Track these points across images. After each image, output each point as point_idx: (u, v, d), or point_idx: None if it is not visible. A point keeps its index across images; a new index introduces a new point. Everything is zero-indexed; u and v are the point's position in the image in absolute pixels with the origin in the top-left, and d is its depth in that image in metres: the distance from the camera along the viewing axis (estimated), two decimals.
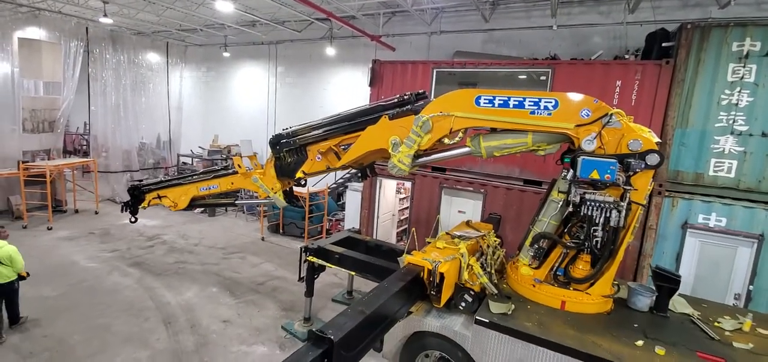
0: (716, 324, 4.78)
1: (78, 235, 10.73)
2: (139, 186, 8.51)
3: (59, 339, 5.96)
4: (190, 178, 8.02)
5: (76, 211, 12.89)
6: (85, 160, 14.73)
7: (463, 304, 4.75)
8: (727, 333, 4.59)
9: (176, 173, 16.68)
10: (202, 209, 13.51)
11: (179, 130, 18.38)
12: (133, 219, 8.71)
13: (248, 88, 16.91)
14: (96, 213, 12.97)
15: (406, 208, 11.21)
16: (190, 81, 18.74)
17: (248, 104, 16.98)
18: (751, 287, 6.73)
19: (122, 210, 8.71)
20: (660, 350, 4.00)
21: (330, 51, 14.03)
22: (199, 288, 7.97)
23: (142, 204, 8.45)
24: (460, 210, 9.05)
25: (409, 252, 5.17)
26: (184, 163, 17.30)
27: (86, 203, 13.64)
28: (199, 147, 17.45)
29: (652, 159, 4.38)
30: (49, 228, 10.95)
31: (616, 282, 5.15)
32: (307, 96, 15.38)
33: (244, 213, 14.26)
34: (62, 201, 12.95)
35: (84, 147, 20.25)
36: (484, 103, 5.01)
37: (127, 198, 8.93)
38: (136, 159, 16.21)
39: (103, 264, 8.92)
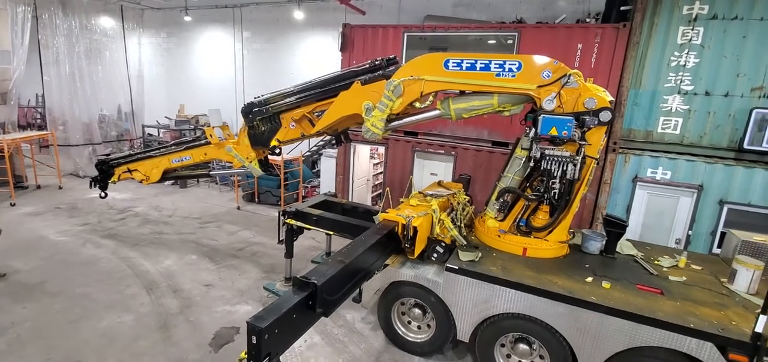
0: (656, 262, 5.42)
1: (44, 210, 10.40)
2: (108, 160, 8.26)
3: (39, 310, 5.97)
4: (161, 150, 7.88)
5: (38, 187, 12.39)
6: (43, 133, 13.99)
7: (435, 255, 5.14)
8: (664, 269, 5.22)
9: (142, 145, 16.16)
10: (174, 181, 13.29)
11: (142, 100, 17.55)
12: (102, 195, 8.53)
13: (213, 54, 16.32)
14: (60, 188, 12.51)
15: (380, 173, 11.48)
16: (149, 48, 17.80)
17: (214, 71, 16.44)
18: (690, 232, 7.50)
19: (91, 186, 8.49)
20: (606, 284, 4.55)
21: (298, 15, 13.70)
22: (177, 257, 8.04)
23: (112, 179, 8.27)
24: (432, 172, 9.41)
25: (384, 211, 5.48)
26: (150, 135, 16.72)
27: (48, 178, 13.10)
28: (166, 117, 16.87)
29: (605, 115, 4.79)
30: (12, 204, 10.53)
31: (572, 230, 5.68)
32: (276, 62, 15.07)
33: (217, 183, 14.13)
34: (22, 177, 12.38)
35: (39, 120, 19.11)
36: (453, 66, 5.25)
37: (92, 172, 8.68)
38: (98, 131, 15.50)
39: (74, 237, 8.76)
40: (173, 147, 7.80)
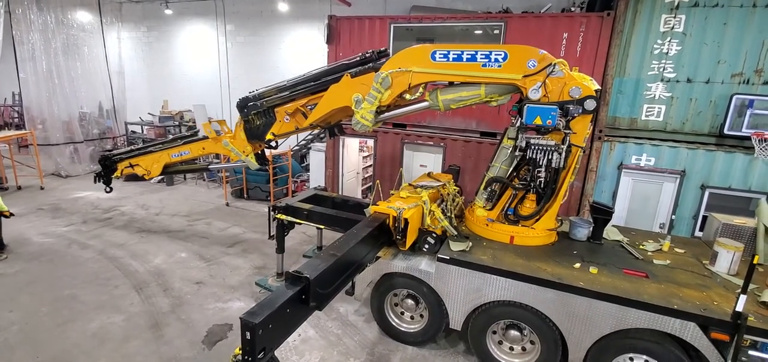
0: (641, 247, 5.56)
1: (26, 212, 10.13)
2: (110, 156, 8.47)
3: (26, 313, 5.85)
4: (161, 145, 8.08)
5: (19, 188, 12.06)
6: (22, 132, 13.59)
7: (427, 246, 5.18)
8: (649, 253, 5.36)
9: (126, 142, 15.83)
10: (161, 178, 13.10)
11: (123, 97, 17.12)
12: (108, 190, 8.72)
13: (196, 48, 16.01)
14: (41, 188, 12.20)
15: (370, 166, 11.47)
16: (129, 42, 17.36)
17: (198, 66, 16.14)
18: (673, 216, 7.71)
19: (95, 181, 8.64)
20: (593, 269, 4.66)
21: (282, 6, 13.51)
22: (166, 255, 7.95)
23: (115, 174, 8.45)
24: (421, 164, 9.44)
25: (375, 204, 5.49)
26: (133, 132, 16.39)
27: (28, 179, 12.76)
28: (149, 113, 16.55)
29: (589, 104, 4.85)
30: None
31: (559, 218, 5.79)
32: (261, 56, 14.86)
33: (205, 180, 13.95)
34: (2, 178, 12.03)
35: (16, 119, 18.55)
36: (440, 57, 5.26)
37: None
38: (79, 129, 15.11)
39: (58, 238, 8.58)
40: (173, 142, 8.02)
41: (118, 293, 6.49)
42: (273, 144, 7.06)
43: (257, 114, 6.65)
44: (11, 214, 7.73)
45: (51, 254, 7.81)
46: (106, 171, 8.44)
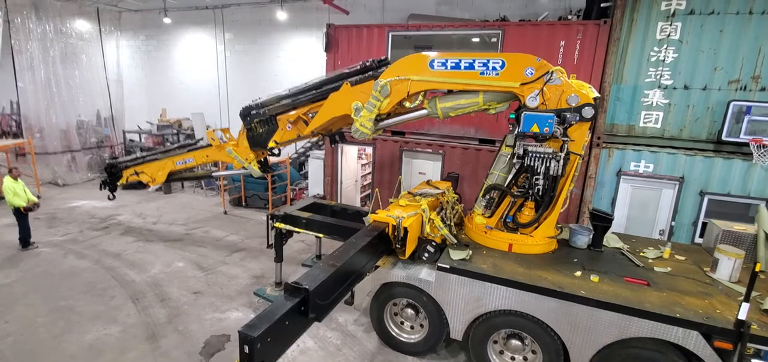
0: (642, 254, 5.53)
1: None
2: (116, 163, 8.58)
3: (21, 324, 5.77)
4: (166, 152, 8.18)
5: None
6: (19, 141, 13.54)
7: (426, 255, 5.14)
8: (650, 260, 5.34)
9: (124, 151, 15.81)
10: (158, 187, 13.04)
11: (122, 105, 17.10)
12: (111, 197, 8.91)
13: (195, 56, 16.02)
14: (38, 197, 12.05)
15: (369, 174, 11.46)
16: (128, 51, 17.36)
17: (196, 74, 16.15)
18: (672, 223, 7.69)
19: (101, 188, 8.81)
20: (594, 278, 4.62)
21: (281, 15, 13.55)
22: (163, 265, 7.88)
23: (120, 181, 8.57)
24: (420, 171, 9.43)
25: (374, 212, 5.46)
26: (131, 141, 16.35)
27: None
28: (147, 122, 16.52)
29: (587, 112, 4.85)
30: None
31: (559, 225, 5.76)
32: (260, 64, 14.88)
33: (202, 188, 13.90)
34: None
35: (14, 128, 18.49)
36: (438, 65, 5.27)
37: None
38: (76, 138, 15.07)
39: (55, 248, 8.50)
40: (177, 149, 8.09)
41: (114, 304, 6.42)
42: (275, 151, 7.13)
43: (260, 122, 6.73)
44: (36, 206, 8.42)
45: (47, 264, 7.73)
46: (112, 178, 8.55)
